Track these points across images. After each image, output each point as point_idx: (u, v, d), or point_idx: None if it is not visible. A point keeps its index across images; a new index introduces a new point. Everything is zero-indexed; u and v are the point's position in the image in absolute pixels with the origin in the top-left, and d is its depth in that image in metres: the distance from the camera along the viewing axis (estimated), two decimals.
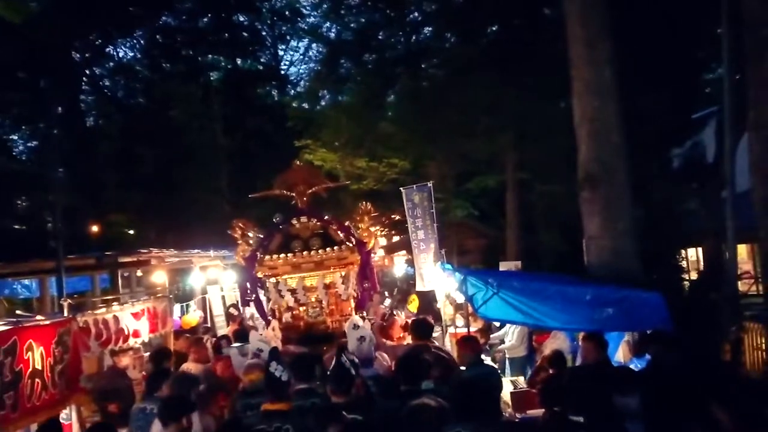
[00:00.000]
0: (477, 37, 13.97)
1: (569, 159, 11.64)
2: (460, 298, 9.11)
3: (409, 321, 8.88)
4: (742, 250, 14.88)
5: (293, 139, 16.14)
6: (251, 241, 8.63)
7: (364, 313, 8.51)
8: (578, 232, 11.77)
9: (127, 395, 7.71)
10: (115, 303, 6.53)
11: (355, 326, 6.65)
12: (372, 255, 9.08)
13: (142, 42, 31.88)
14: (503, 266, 12.87)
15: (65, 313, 5.81)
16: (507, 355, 10.08)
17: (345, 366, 4.79)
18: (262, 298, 8.75)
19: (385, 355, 6.80)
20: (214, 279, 15.14)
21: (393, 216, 20.99)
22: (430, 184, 11.45)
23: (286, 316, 8.46)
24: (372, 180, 14.64)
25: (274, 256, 8.38)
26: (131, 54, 32.30)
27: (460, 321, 10.39)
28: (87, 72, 30.47)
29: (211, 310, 14.67)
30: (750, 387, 6.29)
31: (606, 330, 6.54)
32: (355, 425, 4.28)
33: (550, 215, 12.72)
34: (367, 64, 14.72)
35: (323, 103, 18.79)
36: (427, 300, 12.28)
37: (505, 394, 7.29)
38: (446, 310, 11.19)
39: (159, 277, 11.34)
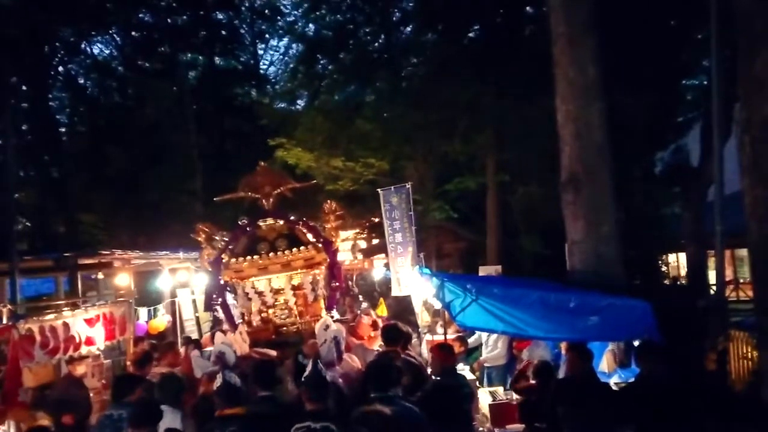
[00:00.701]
0: (457, 36, 13.63)
1: (551, 161, 11.37)
2: (438, 305, 8.77)
3: (379, 321, 8.97)
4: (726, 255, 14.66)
5: (274, 145, 15.62)
6: (217, 245, 8.54)
7: (334, 314, 8.39)
8: (559, 236, 11.49)
9: (83, 405, 7.31)
10: (66, 308, 6.02)
11: (326, 327, 6.67)
12: (338, 254, 9.06)
13: (117, 38, 31.15)
14: (483, 271, 12.53)
15: (4, 320, 5.34)
16: (486, 364, 9.72)
17: (321, 373, 4.69)
18: (231, 302, 8.70)
19: (355, 357, 6.85)
20: (184, 282, 14.65)
21: (373, 219, 20.63)
22: (408, 186, 11.10)
23: (255, 320, 8.37)
24: (348, 180, 14.18)
25: (240, 259, 8.30)
26: (106, 51, 31.45)
27: (440, 328, 10.04)
28: (59, 68, 29.67)
29: (180, 315, 14.17)
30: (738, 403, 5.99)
31: (590, 339, 6.23)
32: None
33: (531, 218, 12.41)
34: (345, 62, 14.24)
35: (300, 102, 18.53)
36: (403, 306, 11.89)
37: (484, 406, 6.94)
38: (423, 317, 10.86)
39: (123, 280, 10.81)
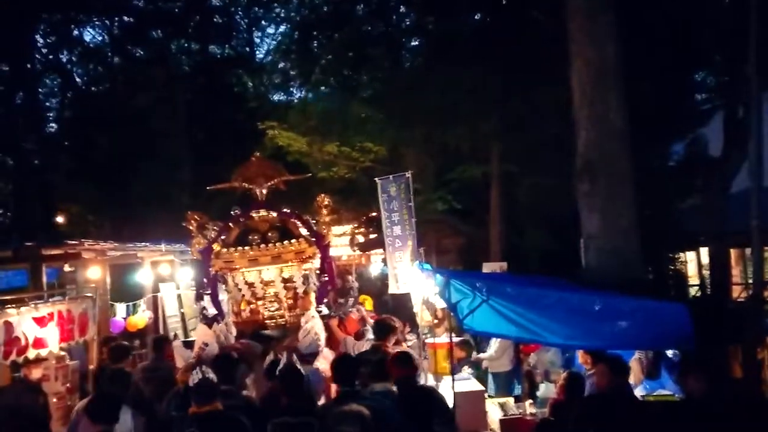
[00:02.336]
0: (459, 18, 12.79)
1: (561, 148, 10.58)
2: (441, 304, 8.04)
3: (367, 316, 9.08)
4: (732, 254, 13.86)
5: (264, 129, 14.75)
6: (208, 234, 8.54)
7: (322, 308, 8.45)
8: (570, 231, 10.74)
9: (38, 412, 6.51)
10: (10, 306, 5.19)
11: (310, 320, 6.90)
12: (331, 248, 9.16)
13: (107, 23, 30.22)
14: (487, 267, 11.73)
15: None
16: (489, 369, 8.93)
17: (296, 366, 4.72)
18: (220, 293, 8.69)
19: (331, 353, 6.94)
20: (167, 276, 13.82)
21: (371, 213, 19.84)
22: (408, 174, 10.29)
23: (244, 311, 8.44)
24: (343, 167, 13.28)
25: (231, 249, 8.34)
26: (97, 37, 30.49)
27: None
28: (48, 54, 28.78)
29: (163, 310, 13.37)
30: None
31: (617, 347, 5.47)
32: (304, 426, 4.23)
33: (538, 211, 11.58)
34: (340, 41, 13.38)
35: (294, 92, 17.68)
36: (401, 304, 11.11)
37: (494, 420, 6.16)
38: (423, 316, 10.07)
39: (95, 273, 9.99)
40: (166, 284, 13.78)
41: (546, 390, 8.93)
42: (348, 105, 12.68)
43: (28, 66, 26.82)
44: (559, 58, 9.00)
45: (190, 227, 8.62)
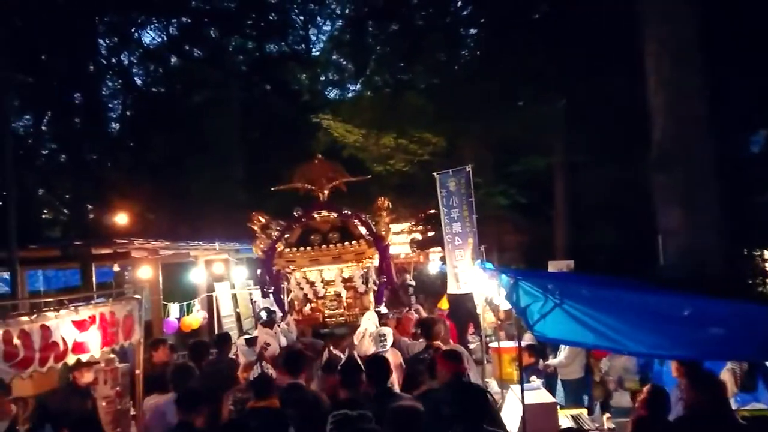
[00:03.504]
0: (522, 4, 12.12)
1: (633, 136, 9.89)
2: (506, 305, 7.52)
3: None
4: None
5: (318, 120, 14.33)
6: (271, 234, 8.71)
7: (382, 308, 8.51)
8: (641, 226, 10.07)
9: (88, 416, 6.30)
10: (48, 309, 4.92)
11: (369, 320, 6.86)
12: (389, 249, 9.02)
13: (165, 24, 30.53)
14: (552, 266, 11.13)
15: None
16: (559, 376, 8.35)
17: (357, 362, 4.91)
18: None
19: (398, 352, 6.93)
20: (221, 275, 13.65)
21: (429, 210, 19.32)
22: (468, 168, 9.82)
23: (305, 309, 8.64)
24: (400, 161, 12.75)
25: (293, 249, 8.55)
26: (155, 38, 30.84)
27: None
28: (110, 57, 29.24)
29: (218, 310, 13.18)
30: None
31: (710, 358, 4.90)
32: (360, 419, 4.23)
33: (607, 205, 10.85)
34: (395, 32, 12.85)
35: (347, 78, 17.24)
36: (461, 304, 10.63)
37: None
38: (486, 317, 9.56)
39: (146, 273, 9.81)
40: (221, 283, 13.61)
41: (620, 399, 8.35)
42: (403, 96, 12.17)
43: (91, 68, 27.28)
44: (631, 40, 8.36)
45: (254, 227, 8.78)
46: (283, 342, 7.24)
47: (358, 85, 14.21)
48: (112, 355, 7.73)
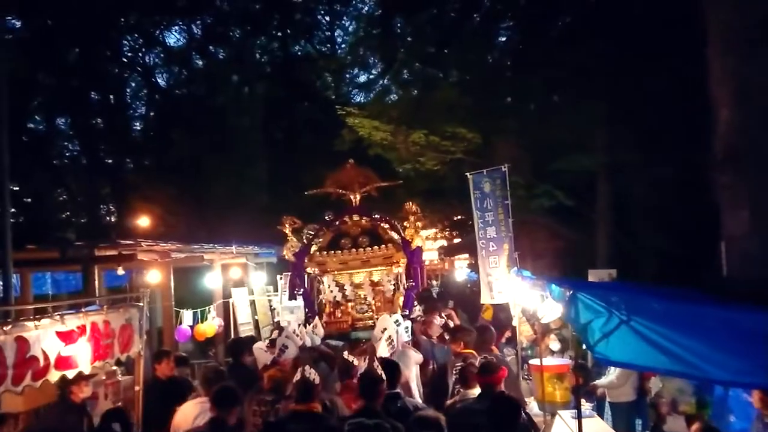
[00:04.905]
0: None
1: (688, 133, 9.05)
2: (549, 317, 6.78)
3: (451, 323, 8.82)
4: None
5: (344, 116, 13.68)
6: (303, 238, 9.17)
7: (412, 312, 8.66)
8: (698, 231, 9.23)
9: None
10: (27, 318, 4.25)
11: (385, 324, 6.81)
12: (418, 254, 9.30)
13: (189, 24, 30.19)
14: (593, 276, 10.30)
15: None
16: (608, 399, 7.53)
17: (374, 370, 4.83)
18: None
19: (414, 353, 6.99)
20: (239, 280, 12.99)
21: (455, 216, 18.57)
22: (505, 168, 9.11)
23: (336, 311, 9.01)
24: (431, 159, 11.94)
25: (324, 253, 8.99)
26: (179, 38, 30.53)
27: (555, 345, 8.07)
28: (133, 57, 28.97)
29: (235, 317, 12.52)
30: None
31: None
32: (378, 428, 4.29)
33: (657, 209, 9.97)
34: (426, 19, 12.08)
35: (374, 72, 16.65)
36: (494, 312, 9.91)
37: None
38: (522, 330, 8.80)
39: (154, 277, 9.17)
40: (239, 289, 12.94)
41: (674, 424, 7.52)
42: (435, 89, 11.39)
43: (115, 70, 27.08)
44: (686, 24, 7.57)
45: (285, 230, 9.18)
46: (309, 342, 7.47)
47: (386, 81, 13.41)
48: (114, 367, 7.15)
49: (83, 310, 4.84)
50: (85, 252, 8.17)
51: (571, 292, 4.27)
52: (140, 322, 5.67)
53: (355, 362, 5.86)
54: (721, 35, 7.17)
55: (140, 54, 28.96)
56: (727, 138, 7.02)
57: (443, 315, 9.65)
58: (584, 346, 4.19)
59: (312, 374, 4.73)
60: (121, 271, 8.73)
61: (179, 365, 7.28)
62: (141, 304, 5.67)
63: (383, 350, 6.48)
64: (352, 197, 9.34)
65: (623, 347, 4.15)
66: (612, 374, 7.33)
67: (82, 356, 4.72)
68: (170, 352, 7.09)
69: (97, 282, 9.78)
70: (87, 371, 4.88)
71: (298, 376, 4.72)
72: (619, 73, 9.65)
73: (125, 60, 28.17)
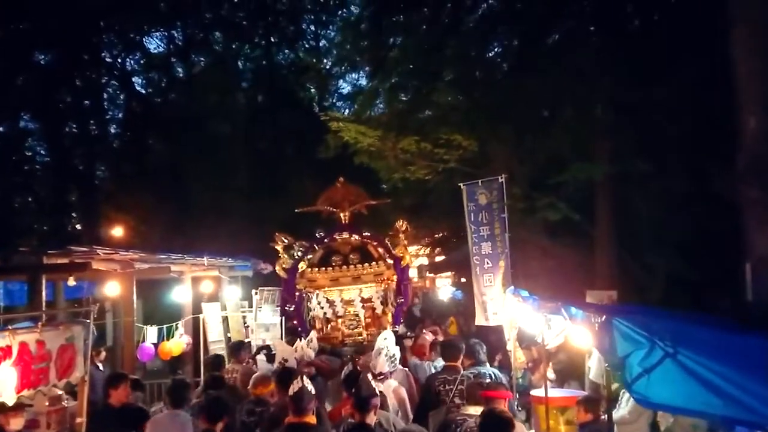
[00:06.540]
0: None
1: (702, 142, 8.42)
2: (555, 342, 6.09)
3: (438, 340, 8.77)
4: None
5: (327, 120, 12.97)
6: (294, 254, 9.35)
7: (398, 328, 8.89)
8: (714, 252, 8.57)
9: None
10: None
11: (384, 339, 6.69)
12: (406, 271, 9.53)
13: (170, 31, 29.46)
14: (591, 297, 9.52)
15: None
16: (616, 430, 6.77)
17: (371, 385, 4.86)
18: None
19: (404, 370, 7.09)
20: (211, 295, 12.09)
21: (437, 234, 17.94)
22: (502, 179, 8.48)
23: (325, 328, 9.27)
24: (421, 168, 11.18)
25: (315, 269, 9.21)
26: (161, 45, 29.77)
27: (551, 374, 7.37)
28: (111, 61, 28.15)
29: (205, 335, 11.60)
30: None
31: None
32: None
33: (665, 226, 9.29)
34: (419, 20, 11.38)
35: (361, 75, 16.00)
36: (482, 334, 9.18)
37: None
38: (517, 355, 8.09)
39: (113, 289, 8.31)
40: (211, 304, 12.03)
41: None
42: (429, 92, 10.68)
43: (93, 75, 26.26)
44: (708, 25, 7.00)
45: (277, 247, 9.34)
46: (309, 354, 7.51)
47: (375, 82, 12.69)
48: (60, 392, 6.27)
49: (10, 327, 4.01)
50: (32, 259, 7.28)
51: (604, 317, 3.51)
52: (85, 342, 4.84)
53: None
54: (746, 32, 6.58)
55: (119, 60, 28.23)
56: (753, 148, 6.41)
57: (432, 331, 9.72)
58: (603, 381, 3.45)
59: (308, 385, 4.69)
60: (72, 282, 7.83)
61: (134, 389, 6.47)
62: (88, 320, 4.83)
63: (383, 367, 6.31)
64: (342, 215, 9.60)
65: (668, 386, 3.38)
66: (624, 408, 6.56)
67: (6, 384, 3.89)
68: (127, 376, 6.22)
69: (54, 294, 8.92)
70: (10, 402, 4.04)
71: (295, 387, 4.68)
72: (625, 76, 9.06)
73: (104, 65, 27.40)
